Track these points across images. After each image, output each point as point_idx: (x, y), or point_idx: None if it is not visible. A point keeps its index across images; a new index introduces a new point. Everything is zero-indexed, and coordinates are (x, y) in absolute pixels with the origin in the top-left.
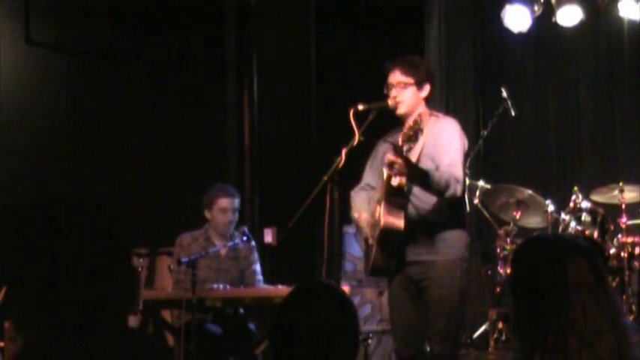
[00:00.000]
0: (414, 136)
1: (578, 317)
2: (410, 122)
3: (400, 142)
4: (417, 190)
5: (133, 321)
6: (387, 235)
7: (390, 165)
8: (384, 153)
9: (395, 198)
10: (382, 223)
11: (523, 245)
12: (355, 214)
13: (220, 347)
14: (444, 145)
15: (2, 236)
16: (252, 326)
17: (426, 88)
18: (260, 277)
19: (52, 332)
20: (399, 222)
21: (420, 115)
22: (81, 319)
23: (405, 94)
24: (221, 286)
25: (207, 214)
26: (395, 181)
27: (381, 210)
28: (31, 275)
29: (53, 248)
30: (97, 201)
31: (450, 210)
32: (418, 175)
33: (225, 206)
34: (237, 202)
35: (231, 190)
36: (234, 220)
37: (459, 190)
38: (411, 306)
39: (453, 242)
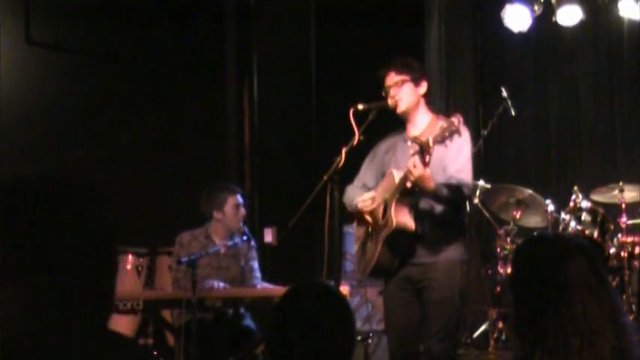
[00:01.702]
0: (448, 137)
1: (579, 316)
2: (443, 124)
3: (432, 143)
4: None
5: (133, 321)
6: (398, 235)
7: (410, 172)
8: (391, 149)
9: (407, 198)
10: (394, 223)
11: (524, 245)
12: (356, 200)
13: (220, 347)
14: (454, 151)
15: None
16: (252, 325)
17: (424, 85)
18: (258, 274)
19: (31, 325)
20: (411, 222)
21: (457, 117)
22: (59, 313)
23: (403, 92)
24: (221, 284)
25: (218, 214)
26: (409, 183)
27: (391, 210)
28: (11, 260)
29: (32, 231)
30: (80, 184)
31: (452, 212)
32: (431, 193)
33: (238, 202)
34: (241, 197)
35: (233, 186)
36: (244, 215)
37: (466, 193)
38: (407, 306)
39: (454, 243)
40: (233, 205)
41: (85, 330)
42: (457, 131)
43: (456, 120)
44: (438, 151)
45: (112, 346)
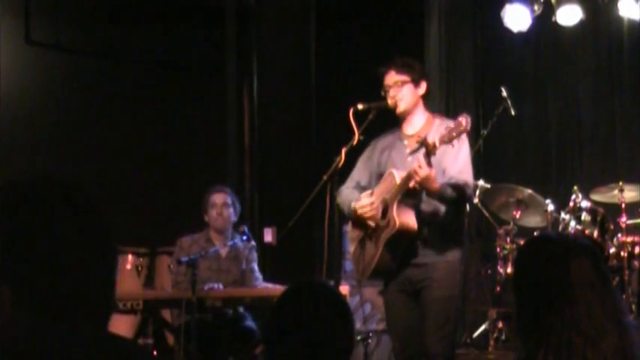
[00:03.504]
0: (456, 137)
1: (582, 316)
2: (450, 124)
3: (438, 144)
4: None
5: (133, 321)
6: (401, 235)
7: (416, 172)
8: (387, 148)
9: (409, 199)
10: (397, 224)
11: (527, 244)
12: (353, 204)
13: (220, 347)
14: (452, 152)
15: None
16: (253, 325)
17: (423, 86)
18: (258, 274)
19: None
20: (414, 222)
21: (465, 117)
22: (58, 315)
23: (403, 92)
24: (221, 286)
25: (206, 217)
26: (412, 183)
27: (392, 211)
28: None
29: (23, 235)
30: (71, 186)
31: (453, 213)
32: (436, 193)
33: (215, 201)
34: (228, 197)
35: (219, 186)
36: (229, 215)
37: (468, 194)
38: (408, 308)
39: (455, 245)
40: (211, 205)
41: (85, 332)
42: (465, 131)
43: (464, 120)
44: (437, 152)
45: (113, 349)
